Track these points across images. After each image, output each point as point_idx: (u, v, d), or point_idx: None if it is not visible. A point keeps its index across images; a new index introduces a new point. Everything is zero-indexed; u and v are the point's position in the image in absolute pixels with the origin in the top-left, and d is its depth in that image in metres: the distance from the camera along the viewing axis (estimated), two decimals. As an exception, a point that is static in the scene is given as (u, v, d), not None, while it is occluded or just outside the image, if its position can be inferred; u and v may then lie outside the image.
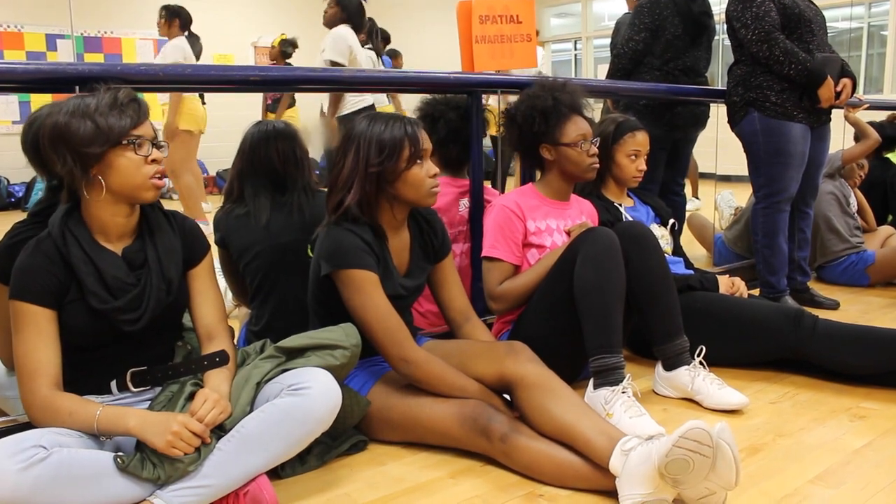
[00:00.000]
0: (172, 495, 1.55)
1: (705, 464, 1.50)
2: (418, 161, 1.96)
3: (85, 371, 1.69)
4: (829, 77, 3.03)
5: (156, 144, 1.68)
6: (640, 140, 2.73)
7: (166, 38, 5.77)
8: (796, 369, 2.51)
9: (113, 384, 1.73)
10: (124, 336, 1.68)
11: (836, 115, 3.46)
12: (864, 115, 4.07)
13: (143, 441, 1.55)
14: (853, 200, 4.08)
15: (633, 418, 1.95)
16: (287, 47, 7.38)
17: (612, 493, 1.63)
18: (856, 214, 4.06)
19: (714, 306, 2.56)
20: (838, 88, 3.11)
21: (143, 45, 9.01)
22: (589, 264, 2.12)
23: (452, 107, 2.77)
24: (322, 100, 5.03)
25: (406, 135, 1.94)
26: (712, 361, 2.29)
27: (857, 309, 3.40)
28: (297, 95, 7.55)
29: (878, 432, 2.05)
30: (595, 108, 2.80)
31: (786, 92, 3.09)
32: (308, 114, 7.37)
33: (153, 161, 1.66)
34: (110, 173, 1.62)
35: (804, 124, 3.14)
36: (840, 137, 4.17)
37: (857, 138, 4.14)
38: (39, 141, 1.65)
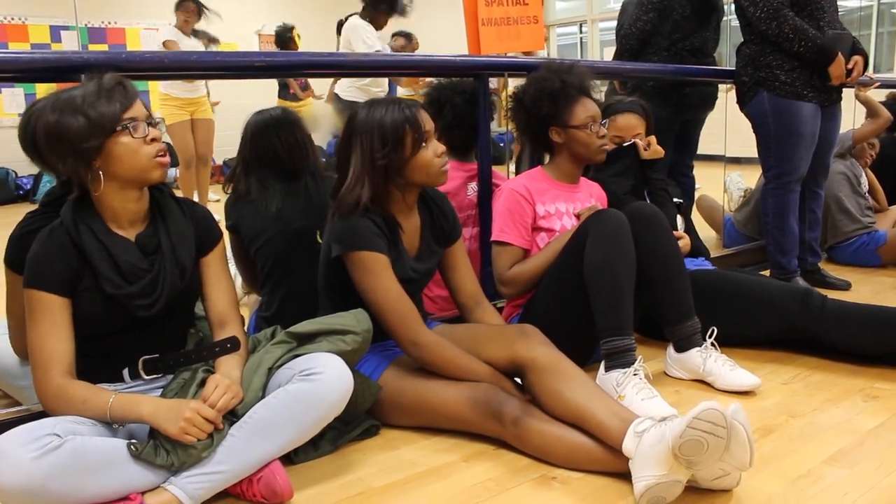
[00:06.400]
0: (186, 482, 1.56)
1: (719, 445, 1.49)
2: (423, 144, 1.95)
3: (97, 360, 1.69)
4: (839, 54, 3.00)
5: (151, 123, 1.66)
6: (619, 124, 2.72)
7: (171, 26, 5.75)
8: (808, 350, 2.49)
9: (125, 372, 1.73)
10: (137, 323, 1.68)
11: (847, 95, 3.42)
12: (875, 94, 4.03)
13: (156, 428, 1.55)
14: (864, 180, 4.05)
15: (644, 400, 1.95)
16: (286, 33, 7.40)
17: (626, 475, 1.63)
18: (867, 194, 4.03)
19: (720, 284, 2.55)
20: (849, 66, 3.07)
21: (147, 35, 8.99)
22: (599, 246, 2.11)
23: (458, 91, 2.76)
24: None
25: (406, 120, 1.92)
26: (720, 341, 2.28)
27: (868, 289, 3.38)
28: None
29: (892, 412, 2.04)
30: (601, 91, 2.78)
31: (796, 71, 3.06)
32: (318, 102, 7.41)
33: (153, 140, 1.65)
34: (113, 162, 1.61)
35: (814, 103, 3.11)
36: (851, 117, 4.13)
37: (868, 117, 4.11)
38: (37, 143, 1.63)
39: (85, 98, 1.59)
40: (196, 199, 6.12)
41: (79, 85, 1.64)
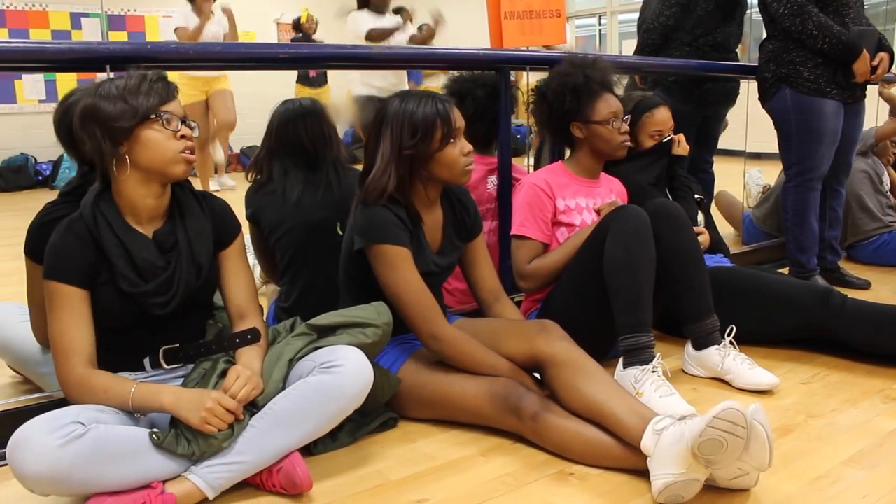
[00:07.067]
0: (207, 471, 1.57)
1: (739, 444, 1.49)
2: (451, 140, 1.95)
3: (118, 350, 1.71)
4: (864, 51, 2.97)
5: (185, 123, 1.68)
6: (657, 119, 2.71)
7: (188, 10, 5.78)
8: (827, 349, 2.48)
9: (146, 362, 1.75)
10: (155, 318, 1.69)
11: (870, 92, 3.39)
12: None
13: (178, 417, 1.57)
14: (886, 178, 4.01)
15: (663, 398, 1.95)
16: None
17: (643, 473, 1.63)
18: (889, 193, 3.99)
19: (740, 281, 2.54)
20: (875, 62, 3.04)
21: (167, 23, 9.01)
22: (619, 242, 2.10)
23: (480, 84, 2.76)
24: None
25: (438, 114, 1.92)
26: (739, 338, 2.27)
27: (889, 289, 3.35)
28: (329, 74, 7.64)
29: (912, 414, 2.04)
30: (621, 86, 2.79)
31: (819, 68, 3.03)
32: (337, 91, 7.42)
33: (182, 136, 1.66)
34: (139, 149, 1.63)
35: (837, 101, 3.08)
36: (873, 114, 4.09)
37: (891, 115, 4.06)
38: (72, 123, 1.66)
39: (127, 87, 1.62)
40: (217, 183, 6.20)
41: (123, 76, 1.66)
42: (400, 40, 5.13)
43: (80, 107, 1.62)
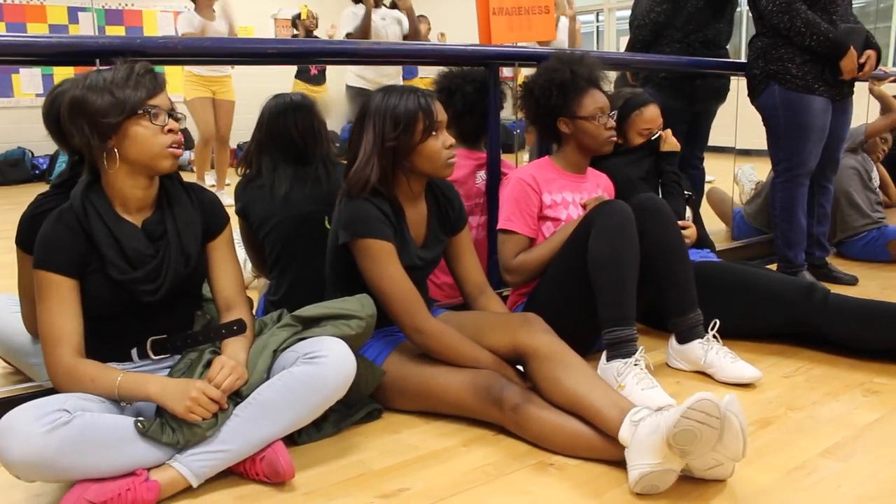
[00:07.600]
0: (191, 459, 1.60)
1: (713, 435, 1.51)
2: (433, 133, 1.97)
3: (106, 339, 1.73)
4: (851, 48, 2.99)
5: (173, 116, 1.70)
6: (647, 116, 2.74)
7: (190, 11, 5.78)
8: (811, 344, 2.51)
9: (133, 352, 1.77)
10: (143, 306, 1.71)
11: (861, 89, 3.40)
12: (891, 89, 4.00)
13: (163, 406, 1.59)
14: (875, 175, 4.03)
15: (645, 390, 1.97)
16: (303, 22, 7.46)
17: (621, 463, 1.65)
18: (877, 189, 4.01)
19: (726, 276, 2.56)
20: (861, 60, 3.06)
21: (164, 18, 9.02)
22: (604, 237, 2.12)
23: (469, 80, 2.78)
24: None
25: (420, 107, 1.95)
26: (723, 332, 2.29)
27: (876, 284, 3.37)
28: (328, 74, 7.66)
29: (890, 407, 2.05)
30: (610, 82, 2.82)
31: (807, 64, 3.06)
32: (336, 91, 7.44)
33: (170, 131, 1.68)
34: (127, 143, 1.65)
35: (825, 97, 3.10)
36: (864, 111, 4.11)
37: (882, 112, 4.09)
38: (59, 115, 1.68)
39: (115, 79, 1.64)
40: (213, 178, 6.20)
41: (111, 67, 1.67)
42: (393, 31, 5.16)
43: (68, 99, 1.64)
